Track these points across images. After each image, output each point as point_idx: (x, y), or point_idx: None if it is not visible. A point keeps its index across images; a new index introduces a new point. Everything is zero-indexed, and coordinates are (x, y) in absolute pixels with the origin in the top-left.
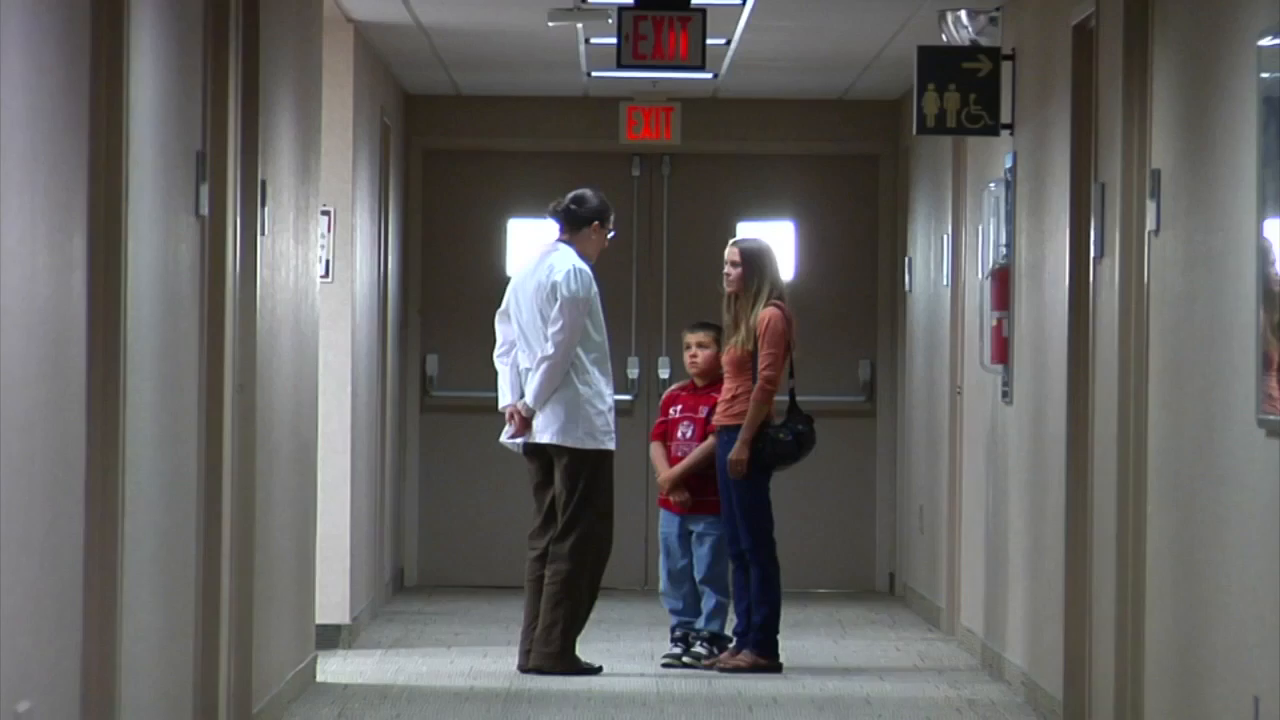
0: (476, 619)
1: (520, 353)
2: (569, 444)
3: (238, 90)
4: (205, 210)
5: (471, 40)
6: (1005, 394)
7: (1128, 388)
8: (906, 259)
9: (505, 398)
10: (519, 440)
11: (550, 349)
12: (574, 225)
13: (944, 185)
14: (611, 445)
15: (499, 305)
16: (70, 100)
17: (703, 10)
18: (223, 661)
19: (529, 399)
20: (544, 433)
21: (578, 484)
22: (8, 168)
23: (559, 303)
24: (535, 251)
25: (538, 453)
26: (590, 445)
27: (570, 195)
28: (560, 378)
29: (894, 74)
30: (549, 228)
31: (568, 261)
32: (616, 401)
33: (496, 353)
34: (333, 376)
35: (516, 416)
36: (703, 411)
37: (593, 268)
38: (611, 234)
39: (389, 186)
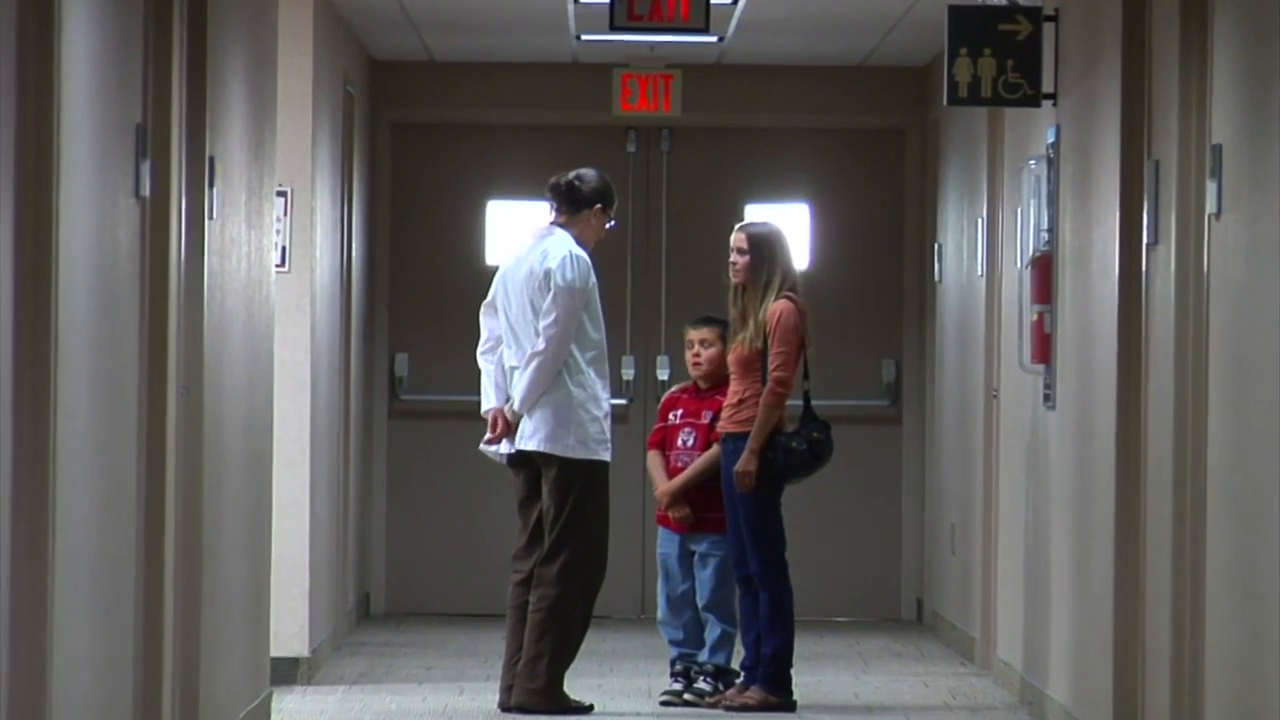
0: (452, 651)
1: (507, 349)
2: (559, 453)
3: (182, 56)
4: (146, 191)
5: None
6: (1047, 398)
7: (1185, 391)
8: (936, 246)
9: (489, 401)
10: (502, 448)
11: (541, 344)
12: (573, 206)
13: (978, 163)
14: (607, 456)
15: (477, 297)
16: None
17: None
18: (166, 698)
19: (515, 402)
20: (531, 439)
21: (568, 499)
22: None
23: (552, 293)
24: (527, 236)
25: (524, 463)
26: (583, 455)
27: (575, 171)
28: (551, 378)
29: (922, 37)
30: (535, 210)
31: (563, 247)
32: (611, 406)
33: (480, 349)
34: (290, 378)
35: (500, 421)
36: (706, 417)
37: (591, 256)
38: (612, 223)
39: (353, 164)
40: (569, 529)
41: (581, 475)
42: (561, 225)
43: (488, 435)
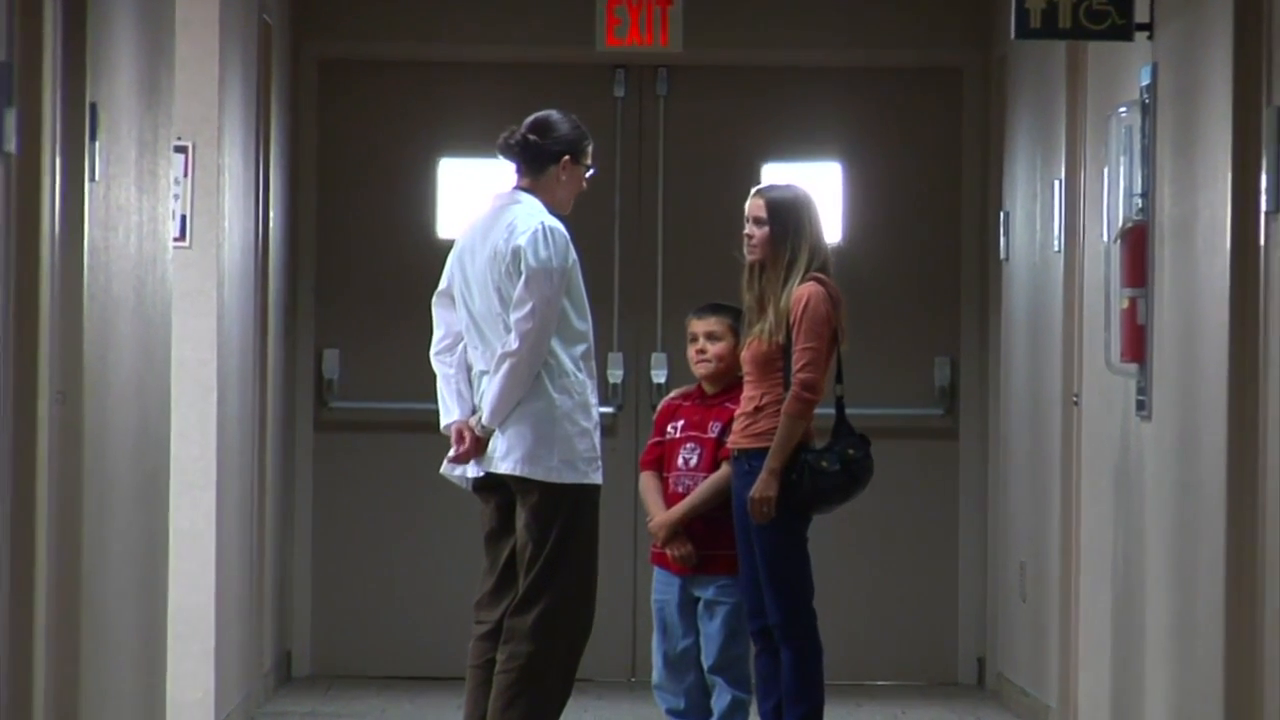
0: None
1: (471, 350)
2: (540, 477)
3: None
4: (12, 146)
5: None
6: (1141, 405)
7: None
8: (1002, 215)
9: (449, 414)
10: (469, 471)
11: (515, 342)
12: (536, 164)
13: (1055, 111)
14: (598, 478)
15: (426, 279)
16: None
17: None
18: None
19: (485, 414)
20: (505, 460)
21: (550, 533)
22: None
23: (525, 276)
24: (486, 205)
25: (494, 488)
26: (570, 479)
27: (529, 121)
28: (528, 382)
29: None
30: (502, 170)
31: (534, 218)
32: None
33: (434, 349)
34: (192, 380)
35: (467, 437)
36: (714, 429)
37: (567, 224)
38: (591, 170)
39: (270, 113)
40: (550, 570)
41: (567, 503)
42: (525, 189)
43: (452, 453)
